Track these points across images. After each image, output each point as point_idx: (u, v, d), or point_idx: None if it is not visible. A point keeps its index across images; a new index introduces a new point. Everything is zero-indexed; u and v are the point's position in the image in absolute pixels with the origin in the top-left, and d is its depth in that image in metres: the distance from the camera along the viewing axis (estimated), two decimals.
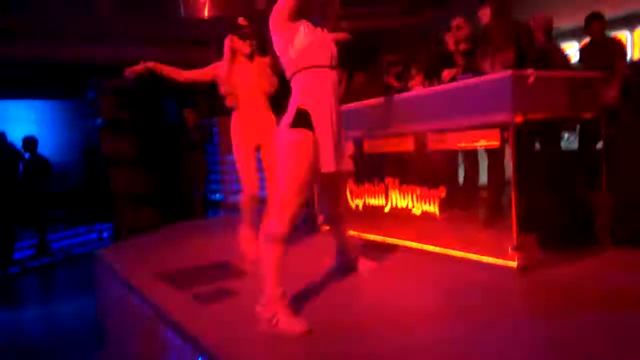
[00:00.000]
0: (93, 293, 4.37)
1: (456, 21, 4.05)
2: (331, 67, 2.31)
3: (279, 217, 2.14)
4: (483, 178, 3.08)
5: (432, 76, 4.00)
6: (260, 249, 2.14)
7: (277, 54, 2.31)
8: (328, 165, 2.24)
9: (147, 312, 2.77)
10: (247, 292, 2.68)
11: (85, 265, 4.77)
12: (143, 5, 6.97)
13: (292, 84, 2.30)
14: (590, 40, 4.32)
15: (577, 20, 5.10)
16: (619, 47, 4.25)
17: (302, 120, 2.19)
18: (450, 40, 4.07)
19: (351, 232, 3.28)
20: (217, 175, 7.61)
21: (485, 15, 3.42)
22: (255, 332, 2.12)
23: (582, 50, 4.42)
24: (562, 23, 4.56)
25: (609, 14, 4.51)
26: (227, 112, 7.66)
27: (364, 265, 2.92)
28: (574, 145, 3.28)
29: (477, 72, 3.28)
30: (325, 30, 2.39)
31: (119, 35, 7.14)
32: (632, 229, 3.05)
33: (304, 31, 2.26)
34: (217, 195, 7.63)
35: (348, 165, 2.43)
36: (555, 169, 3.23)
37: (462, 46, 4.03)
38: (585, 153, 3.30)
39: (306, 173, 2.18)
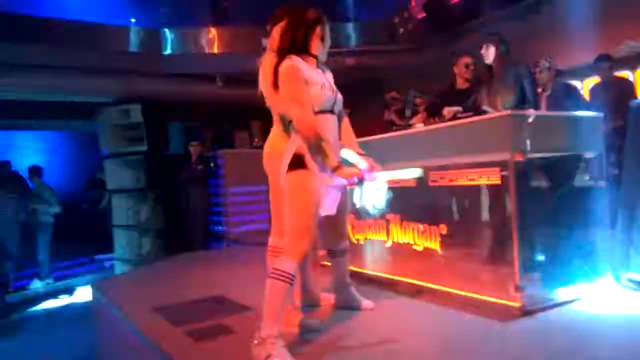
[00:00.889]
0: (90, 324, 4.32)
1: (466, 59, 4.11)
2: (332, 112, 2.35)
3: (289, 256, 2.13)
4: (485, 215, 3.06)
5: (434, 113, 4.04)
6: (266, 285, 2.11)
7: (281, 94, 2.29)
8: (330, 208, 2.28)
9: (142, 347, 2.72)
10: (242, 329, 2.64)
11: (85, 296, 4.73)
12: (150, 40, 7.14)
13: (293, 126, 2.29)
14: (601, 80, 4.40)
15: (578, 60, 5.20)
16: (629, 86, 4.32)
17: (303, 161, 2.19)
18: (457, 78, 4.14)
19: (351, 268, 3.24)
20: (220, 207, 7.61)
21: (489, 54, 3.46)
22: None
23: (593, 90, 4.49)
24: (563, 63, 4.62)
25: (610, 54, 4.60)
26: (231, 146, 7.71)
27: (363, 303, 2.86)
28: (580, 182, 3.28)
29: (478, 110, 3.31)
30: (330, 75, 2.43)
31: (128, 69, 7.31)
32: (638, 268, 3.00)
33: (313, 79, 2.27)
34: (219, 227, 7.61)
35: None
36: (558, 206, 3.22)
37: (467, 84, 4.09)
38: (588, 191, 3.28)
39: (313, 212, 2.18)
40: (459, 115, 3.43)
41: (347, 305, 2.84)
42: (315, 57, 2.35)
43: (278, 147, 2.46)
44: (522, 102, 3.22)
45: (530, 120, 2.61)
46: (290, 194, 2.19)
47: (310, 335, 2.48)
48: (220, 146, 7.74)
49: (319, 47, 2.34)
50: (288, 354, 2.05)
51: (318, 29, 2.31)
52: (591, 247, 3.08)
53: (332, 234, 2.68)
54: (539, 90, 3.87)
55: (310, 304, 2.86)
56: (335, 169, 2.16)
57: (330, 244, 2.73)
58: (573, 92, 4.09)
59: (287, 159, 2.22)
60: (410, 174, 2.34)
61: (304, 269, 2.72)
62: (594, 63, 4.51)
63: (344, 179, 2.23)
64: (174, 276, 4.49)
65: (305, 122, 2.18)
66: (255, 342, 2.07)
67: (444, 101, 4.06)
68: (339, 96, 2.41)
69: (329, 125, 2.30)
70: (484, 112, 3.05)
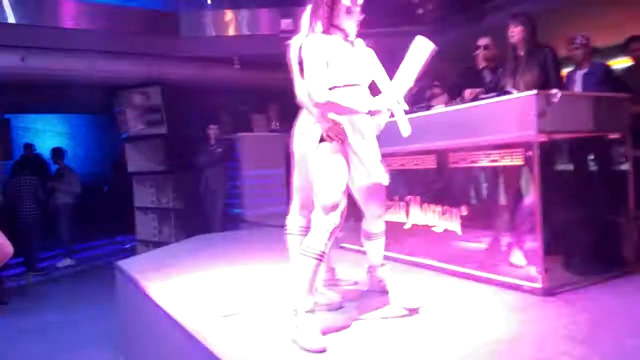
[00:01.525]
0: (114, 303, 4.42)
1: (484, 40, 4.06)
2: (364, 85, 2.34)
3: (320, 232, 2.16)
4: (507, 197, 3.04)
5: (455, 95, 4.00)
6: (300, 261, 2.16)
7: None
8: (375, 176, 2.27)
9: (165, 324, 2.79)
10: (265, 306, 2.70)
11: (107, 276, 4.84)
12: (168, 23, 7.15)
13: None
14: (634, 62, 4.32)
15: (604, 40, 5.07)
16: None
17: (335, 133, 2.21)
18: (478, 59, 4.08)
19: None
20: (238, 190, 7.68)
21: (515, 34, 3.40)
22: (272, 349, 2.12)
23: (627, 72, 4.40)
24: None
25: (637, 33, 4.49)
26: (249, 129, 7.72)
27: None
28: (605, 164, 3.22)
29: (501, 91, 3.27)
30: (364, 48, 2.42)
31: (147, 51, 7.34)
32: None
33: (339, 50, 2.27)
34: (237, 210, 7.68)
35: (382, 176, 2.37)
36: (581, 189, 3.18)
37: (489, 65, 4.04)
38: (612, 174, 3.24)
39: (342, 185, 2.20)
40: (481, 96, 3.39)
41: (379, 289, 2.76)
42: (343, 30, 2.33)
43: (308, 128, 2.47)
44: (545, 83, 3.16)
45: (555, 100, 2.57)
46: (321, 167, 2.21)
47: (333, 311, 2.53)
48: (238, 129, 7.76)
49: (344, 20, 2.30)
50: (315, 326, 2.10)
51: (341, 1, 2.29)
52: (614, 230, 3.05)
53: (369, 215, 2.59)
54: (571, 69, 3.78)
55: (331, 283, 2.89)
56: (370, 108, 2.22)
57: (367, 226, 2.63)
58: (611, 74, 3.96)
59: (318, 132, 2.23)
60: (421, 48, 2.27)
61: (375, 250, 2.71)
62: (625, 44, 4.41)
63: (385, 111, 2.26)
64: (195, 256, 4.56)
65: (317, 96, 2.16)
66: (293, 313, 2.17)
67: (465, 82, 4.01)
68: (373, 70, 2.36)
69: (356, 97, 2.25)
70: (508, 93, 3.01)
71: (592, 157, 3.23)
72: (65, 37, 6.69)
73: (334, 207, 2.16)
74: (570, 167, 3.37)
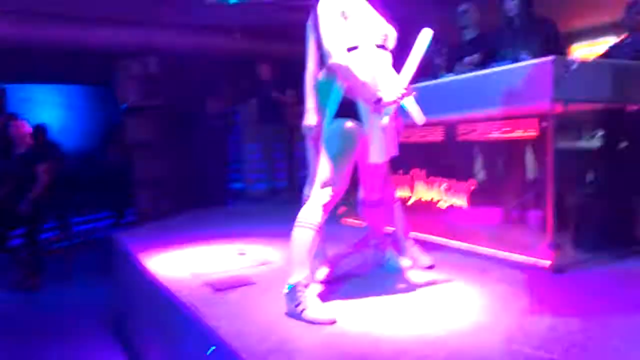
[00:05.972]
0: (110, 277, 4.36)
1: (463, 6, 3.94)
2: (383, 47, 2.17)
3: (315, 204, 2.10)
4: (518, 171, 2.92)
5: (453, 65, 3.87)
6: (295, 234, 2.08)
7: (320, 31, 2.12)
8: (377, 155, 2.13)
9: (162, 298, 2.71)
10: (263, 281, 2.62)
11: (104, 249, 4.77)
12: None
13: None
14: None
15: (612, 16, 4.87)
16: None
17: (348, 109, 2.09)
18: (462, 27, 3.96)
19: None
20: (238, 164, 7.56)
21: (512, 6, 3.29)
22: (268, 322, 2.04)
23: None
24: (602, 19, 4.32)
25: None
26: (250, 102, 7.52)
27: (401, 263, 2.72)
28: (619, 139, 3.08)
29: (500, 59, 3.14)
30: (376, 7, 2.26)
31: (145, 19, 7.13)
32: None
33: (356, 12, 2.12)
34: (238, 184, 7.58)
35: (394, 150, 2.26)
36: (594, 164, 3.06)
37: (471, 31, 3.92)
38: (625, 150, 3.10)
39: (347, 164, 2.13)
40: (492, 65, 3.23)
41: (382, 263, 2.71)
42: None
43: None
44: (543, 51, 2.99)
45: (574, 67, 2.43)
46: (329, 141, 2.14)
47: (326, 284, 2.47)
48: (239, 102, 7.60)
49: None
50: (318, 301, 2.04)
51: None
52: (628, 207, 2.94)
53: (366, 186, 2.55)
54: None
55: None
56: (379, 99, 2.03)
57: (362, 195, 2.59)
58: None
59: (332, 107, 2.13)
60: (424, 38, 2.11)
61: (377, 224, 2.66)
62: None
63: (393, 103, 2.05)
64: (194, 230, 4.48)
65: (335, 56, 2.02)
66: (285, 290, 2.07)
67: (459, 53, 3.89)
68: (392, 31, 2.23)
69: (379, 61, 2.13)
70: (519, 60, 2.86)
71: (608, 130, 3.09)
72: (60, 3, 6.48)
73: (332, 183, 2.10)
74: (585, 140, 3.24)
